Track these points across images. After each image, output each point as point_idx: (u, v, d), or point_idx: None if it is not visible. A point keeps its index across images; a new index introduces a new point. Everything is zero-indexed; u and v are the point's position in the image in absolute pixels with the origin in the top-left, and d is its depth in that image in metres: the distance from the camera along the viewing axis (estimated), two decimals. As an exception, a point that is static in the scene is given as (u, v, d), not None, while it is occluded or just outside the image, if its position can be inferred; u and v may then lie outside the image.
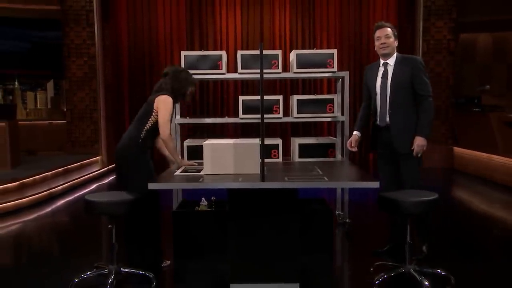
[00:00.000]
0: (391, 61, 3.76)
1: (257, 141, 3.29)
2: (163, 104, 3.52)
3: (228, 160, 3.23)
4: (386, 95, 3.73)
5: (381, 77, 3.77)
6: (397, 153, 3.73)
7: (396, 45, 3.77)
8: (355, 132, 4.03)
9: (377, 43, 3.78)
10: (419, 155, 3.64)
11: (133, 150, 3.55)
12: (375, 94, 3.81)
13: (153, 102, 3.57)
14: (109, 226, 3.33)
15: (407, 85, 3.67)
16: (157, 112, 3.53)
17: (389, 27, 3.77)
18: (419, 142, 3.61)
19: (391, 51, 3.75)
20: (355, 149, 4.01)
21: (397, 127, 3.70)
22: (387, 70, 3.76)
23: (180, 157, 3.76)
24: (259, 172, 3.16)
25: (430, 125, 3.69)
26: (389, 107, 3.72)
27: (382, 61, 3.80)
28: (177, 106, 4.62)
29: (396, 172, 3.79)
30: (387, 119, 3.75)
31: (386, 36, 3.73)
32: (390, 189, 3.56)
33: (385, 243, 3.97)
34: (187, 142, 4.42)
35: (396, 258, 3.61)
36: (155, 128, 3.55)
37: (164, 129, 3.50)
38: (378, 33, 3.78)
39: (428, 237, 3.79)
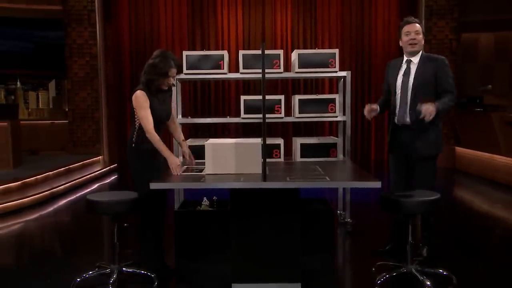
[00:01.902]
0: (416, 59, 3.65)
1: (258, 140, 3.29)
2: (135, 102, 3.38)
3: (229, 159, 3.22)
4: (407, 94, 3.62)
5: (403, 75, 3.66)
6: (414, 154, 3.63)
7: (423, 43, 3.68)
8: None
9: (406, 38, 3.64)
10: (425, 117, 3.36)
11: (132, 152, 3.45)
12: (395, 92, 3.69)
13: (132, 100, 3.44)
14: (115, 225, 3.34)
15: (430, 85, 3.57)
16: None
17: (418, 23, 3.66)
18: (429, 106, 3.36)
19: (419, 48, 3.65)
20: (367, 113, 3.76)
21: (419, 127, 3.58)
22: (409, 68, 3.65)
23: (168, 152, 3.39)
24: (260, 172, 3.16)
25: (447, 108, 3.58)
26: (410, 106, 3.60)
27: (405, 58, 3.70)
28: (179, 105, 4.62)
29: (407, 174, 3.72)
30: (407, 118, 3.63)
31: (416, 32, 3.62)
32: (398, 190, 3.54)
33: (386, 243, 3.97)
34: (189, 142, 4.41)
35: (396, 258, 3.60)
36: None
37: (145, 125, 3.32)
38: (407, 28, 3.64)
39: (430, 239, 3.77)
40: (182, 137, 3.78)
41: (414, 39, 3.62)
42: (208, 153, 3.24)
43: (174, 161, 3.36)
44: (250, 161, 3.21)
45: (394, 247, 3.84)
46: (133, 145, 3.42)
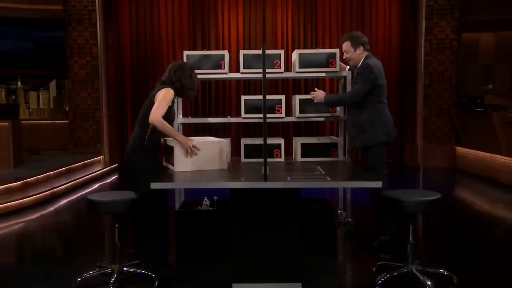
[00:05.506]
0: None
1: (220, 139, 3.58)
2: (163, 94, 3.44)
3: (195, 157, 3.41)
4: None
5: None
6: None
7: (360, 52, 4.01)
8: None
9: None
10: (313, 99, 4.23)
11: (140, 151, 3.46)
12: None
13: (154, 96, 3.47)
14: (116, 225, 3.34)
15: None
16: None
17: (346, 40, 4.04)
18: (319, 93, 4.19)
19: (354, 62, 4.07)
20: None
21: (349, 125, 4.20)
22: None
23: (180, 136, 3.48)
24: (226, 167, 3.46)
25: (336, 101, 4.29)
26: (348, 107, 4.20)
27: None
28: (180, 105, 4.61)
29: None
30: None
31: (344, 51, 4.08)
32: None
33: (371, 237, 4.11)
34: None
35: (385, 252, 3.83)
36: None
37: (154, 112, 3.35)
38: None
39: (387, 228, 3.98)
40: None
41: (345, 58, 4.13)
42: (177, 151, 3.38)
43: (187, 143, 3.41)
44: (214, 158, 3.47)
45: (384, 242, 3.97)
46: (145, 143, 3.47)
